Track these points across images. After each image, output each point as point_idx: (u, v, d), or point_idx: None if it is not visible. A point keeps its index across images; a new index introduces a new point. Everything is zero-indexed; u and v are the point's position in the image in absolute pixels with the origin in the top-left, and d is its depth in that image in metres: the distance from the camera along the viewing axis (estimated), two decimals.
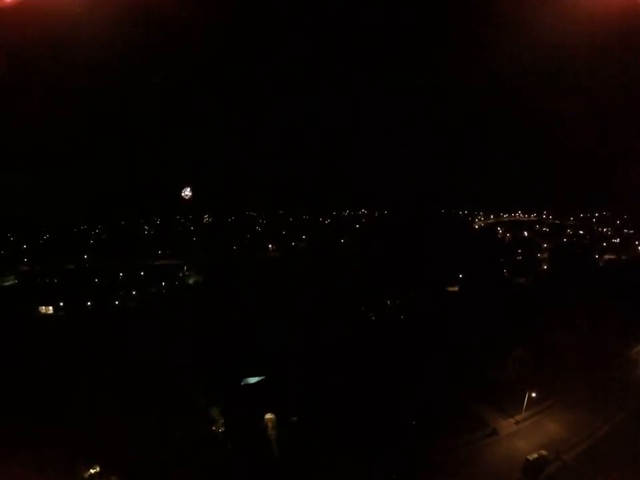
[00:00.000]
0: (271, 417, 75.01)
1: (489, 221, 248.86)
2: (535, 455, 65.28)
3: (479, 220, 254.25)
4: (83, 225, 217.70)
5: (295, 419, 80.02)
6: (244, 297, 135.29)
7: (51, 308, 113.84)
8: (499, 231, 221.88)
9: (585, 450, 66.30)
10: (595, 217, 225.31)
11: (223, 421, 77.57)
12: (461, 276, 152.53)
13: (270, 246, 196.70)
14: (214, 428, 76.57)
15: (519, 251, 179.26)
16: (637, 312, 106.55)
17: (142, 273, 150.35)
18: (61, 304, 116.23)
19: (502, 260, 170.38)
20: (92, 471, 59.38)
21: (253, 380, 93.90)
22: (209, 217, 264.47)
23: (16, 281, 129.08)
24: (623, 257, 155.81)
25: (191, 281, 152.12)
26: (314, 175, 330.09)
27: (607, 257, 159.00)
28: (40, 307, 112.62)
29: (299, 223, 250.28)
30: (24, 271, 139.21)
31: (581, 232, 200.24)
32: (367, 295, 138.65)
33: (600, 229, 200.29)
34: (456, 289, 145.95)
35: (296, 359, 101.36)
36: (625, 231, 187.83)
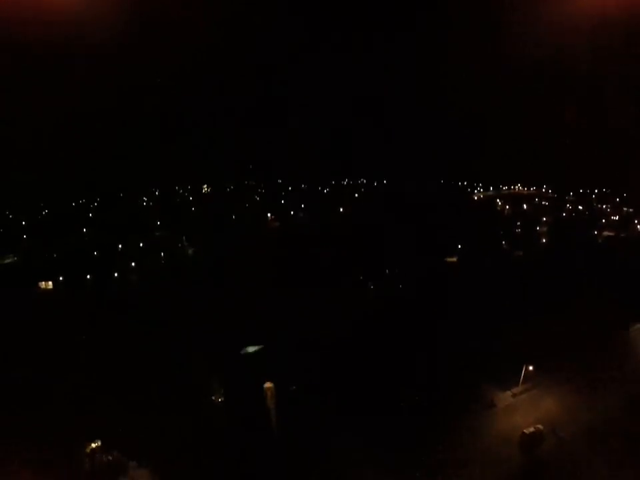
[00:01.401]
0: (270, 385, 73.56)
1: (488, 194, 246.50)
2: (532, 429, 65.39)
3: (478, 192, 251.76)
4: (82, 199, 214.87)
5: (294, 387, 79.77)
6: (243, 267, 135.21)
7: (50, 283, 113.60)
8: (498, 203, 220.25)
9: (581, 428, 66.63)
10: (594, 194, 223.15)
11: (222, 390, 77.21)
12: (459, 247, 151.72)
13: (269, 215, 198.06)
14: (213, 398, 76.32)
15: (518, 223, 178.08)
16: (636, 290, 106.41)
17: (141, 245, 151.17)
18: (61, 279, 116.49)
19: (501, 232, 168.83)
20: (93, 445, 58.78)
21: (252, 349, 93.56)
22: (207, 188, 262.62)
23: (15, 258, 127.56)
24: (622, 235, 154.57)
25: (190, 252, 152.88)
26: (313, 145, 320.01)
27: (605, 233, 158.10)
28: (40, 283, 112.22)
29: (298, 193, 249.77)
30: (23, 248, 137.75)
31: (580, 207, 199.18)
32: (365, 265, 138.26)
33: (599, 206, 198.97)
34: (455, 259, 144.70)
35: (295, 328, 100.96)
36: (625, 209, 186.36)
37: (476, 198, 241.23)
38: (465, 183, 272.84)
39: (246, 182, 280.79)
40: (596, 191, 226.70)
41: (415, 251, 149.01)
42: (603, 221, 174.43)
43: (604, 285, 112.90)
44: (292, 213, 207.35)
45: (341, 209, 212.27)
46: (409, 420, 70.41)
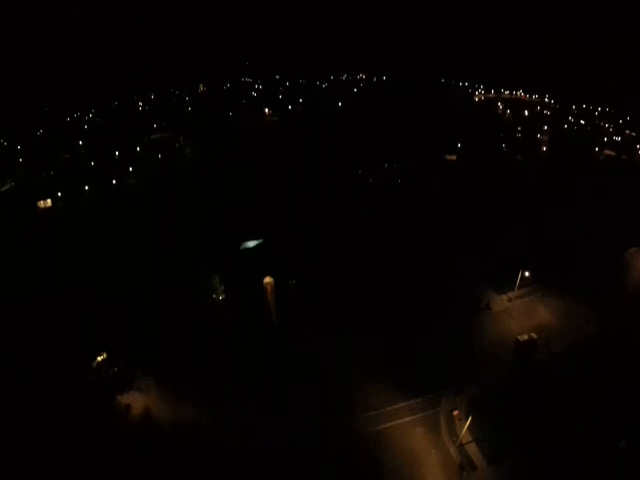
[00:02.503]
0: (270, 280, 72.42)
1: (489, 96, 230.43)
2: (525, 337, 63.50)
3: (479, 93, 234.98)
4: (76, 113, 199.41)
5: (294, 282, 76.86)
6: (241, 162, 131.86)
7: (49, 201, 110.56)
8: (499, 106, 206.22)
9: (573, 343, 64.60)
10: (598, 111, 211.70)
11: (223, 288, 74.78)
12: (459, 145, 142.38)
13: (267, 110, 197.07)
14: (214, 296, 73.81)
15: (519, 128, 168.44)
16: (635, 213, 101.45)
17: (138, 149, 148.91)
18: (59, 195, 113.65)
19: (501, 135, 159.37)
20: (99, 358, 57.93)
21: (251, 244, 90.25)
22: (203, 87, 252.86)
23: (12, 184, 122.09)
24: (623, 157, 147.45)
25: (187, 151, 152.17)
26: (310, 39, 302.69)
27: (606, 151, 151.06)
28: (38, 203, 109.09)
29: (296, 88, 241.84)
30: (20, 172, 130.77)
31: (582, 122, 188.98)
32: (364, 160, 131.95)
33: (602, 124, 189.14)
34: (454, 157, 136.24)
35: (295, 221, 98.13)
36: (628, 132, 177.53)
37: (477, 99, 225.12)
38: (466, 84, 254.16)
39: (242, 79, 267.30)
40: (599, 109, 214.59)
41: (414, 147, 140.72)
42: (605, 139, 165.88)
43: (604, 204, 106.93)
44: (289, 107, 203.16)
45: (339, 103, 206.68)
46: (407, 318, 68.08)
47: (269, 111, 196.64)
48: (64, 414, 51.85)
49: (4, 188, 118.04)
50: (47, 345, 61.47)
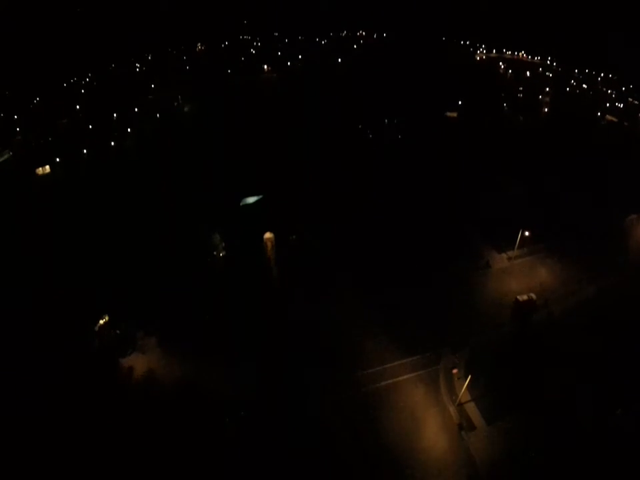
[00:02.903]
0: (270, 236, 72.68)
1: (491, 55, 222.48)
2: (525, 297, 61.08)
3: (480, 52, 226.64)
4: (73, 78, 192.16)
5: (294, 237, 75.25)
6: (240, 119, 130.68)
7: (47, 167, 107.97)
8: (500, 66, 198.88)
9: (572, 305, 62.24)
10: (600, 77, 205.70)
11: (223, 244, 74.08)
12: (460, 103, 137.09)
13: (265, 67, 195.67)
14: (215, 253, 72.93)
15: (520, 89, 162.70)
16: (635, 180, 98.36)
17: (136, 110, 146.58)
18: (57, 160, 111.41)
19: (502, 95, 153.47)
20: (101, 321, 57.78)
21: (251, 200, 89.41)
22: (201, 45, 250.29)
23: (10, 154, 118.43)
24: (625, 123, 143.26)
25: (186, 109, 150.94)
26: None
27: (608, 117, 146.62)
28: (37, 170, 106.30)
29: (295, 45, 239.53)
30: (17, 141, 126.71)
31: (584, 86, 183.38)
32: (364, 115, 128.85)
33: (604, 89, 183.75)
34: (455, 115, 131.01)
35: (294, 177, 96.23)
36: (630, 99, 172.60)
37: (478, 58, 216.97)
38: (468, 42, 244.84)
39: (241, 37, 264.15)
40: (602, 74, 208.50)
41: (415, 103, 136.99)
42: (607, 105, 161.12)
43: (605, 169, 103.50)
44: (288, 63, 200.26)
45: (339, 59, 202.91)
46: (407, 274, 65.79)
47: (267, 67, 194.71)
48: (68, 381, 50.58)
49: (2, 159, 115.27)
50: (50, 311, 60.10)
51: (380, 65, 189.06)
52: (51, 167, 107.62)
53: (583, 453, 41.99)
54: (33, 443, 44.03)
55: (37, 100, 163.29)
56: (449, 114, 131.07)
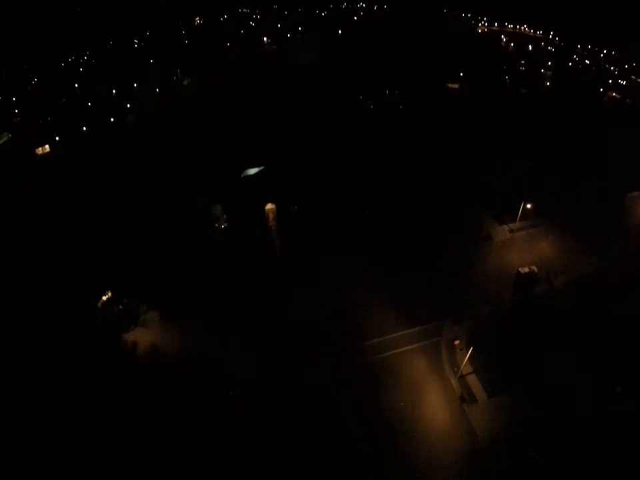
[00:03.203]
0: (271, 207, 71.98)
1: (493, 28, 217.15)
2: (526, 269, 59.54)
3: (482, 26, 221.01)
4: (71, 57, 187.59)
5: (295, 208, 74.27)
6: (240, 91, 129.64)
7: (47, 147, 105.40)
8: (502, 39, 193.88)
9: (573, 280, 60.63)
10: (603, 53, 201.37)
11: (225, 216, 72.71)
12: (462, 74, 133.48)
13: (265, 39, 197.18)
14: (216, 225, 71.75)
15: (522, 62, 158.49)
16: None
17: (135, 85, 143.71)
18: (57, 139, 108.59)
19: (504, 67, 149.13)
20: (104, 297, 57.00)
21: (252, 171, 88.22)
22: (199, 19, 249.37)
23: (10, 136, 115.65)
24: (627, 100, 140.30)
25: (186, 82, 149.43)
26: None
27: (610, 93, 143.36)
28: (36, 149, 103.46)
29: (295, 16, 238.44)
30: (16, 123, 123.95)
31: (587, 62, 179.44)
32: (365, 85, 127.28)
33: (607, 66, 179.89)
34: (456, 86, 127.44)
35: (296, 147, 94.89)
36: (633, 77, 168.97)
37: (480, 31, 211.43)
38: (469, 15, 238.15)
39: (240, 10, 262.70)
40: (605, 51, 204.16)
41: (416, 74, 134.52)
42: (610, 81, 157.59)
43: (606, 145, 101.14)
44: (288, 35, 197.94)
45: (340, 31, 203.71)
46: (408, 244, 64.25)
47: (267, 39, 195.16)
48: (73, 358, 49.43)
49: (1, 141, 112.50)
50: (53, 290, 58.52)
51: (381, 36, 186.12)
52: (50, 147, 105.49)
53: (583, 439, 40.76)
54: (37, 419, 43.10)
55: (35, 80, 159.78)
56: (450, 85, 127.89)
